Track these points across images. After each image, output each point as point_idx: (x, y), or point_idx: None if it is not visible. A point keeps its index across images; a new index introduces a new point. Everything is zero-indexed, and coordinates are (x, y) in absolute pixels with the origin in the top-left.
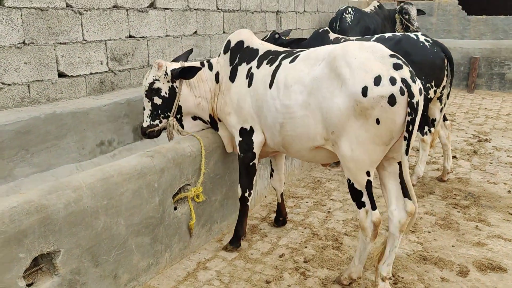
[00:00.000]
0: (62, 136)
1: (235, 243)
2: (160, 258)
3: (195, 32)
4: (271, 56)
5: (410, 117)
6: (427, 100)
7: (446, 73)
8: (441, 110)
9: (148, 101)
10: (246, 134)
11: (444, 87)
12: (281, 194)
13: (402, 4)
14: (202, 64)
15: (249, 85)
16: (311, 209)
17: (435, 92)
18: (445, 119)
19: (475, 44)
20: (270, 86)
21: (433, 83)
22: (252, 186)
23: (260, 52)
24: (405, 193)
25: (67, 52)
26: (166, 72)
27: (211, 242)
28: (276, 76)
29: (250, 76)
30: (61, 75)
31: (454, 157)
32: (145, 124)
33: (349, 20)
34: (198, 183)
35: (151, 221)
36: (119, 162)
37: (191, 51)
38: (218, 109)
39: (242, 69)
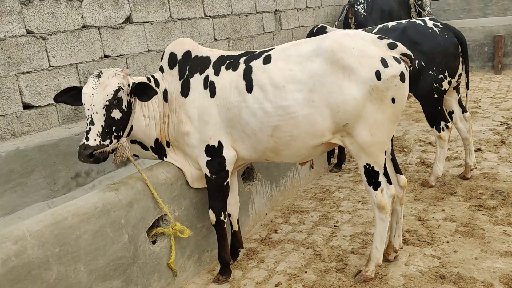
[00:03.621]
0: (29, 173)
1: (225, 273)
2: None
3: None
4: (228, 61)
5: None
6: (441, 93)
7: (461, 59)
8: (459, 101)
9: (104, 114)
10: (215, 151)
11: (460, 75)
12: (237, 220)
13: None
14: (148, 80)
15: (212, 95)
16: (316, 224)
17: (449, 83)
18: (464, 110)
19: (499, 21)
20: (249, 90)
21: (446, 73)
22: (226, 207)
23: (213, 59)
24: (397, 169)
25: (31, 81)
26: (129, 82)
27: (202, 273)
28: (253, 79)
29: (210, 85)
30: (27, 106)
31: (478, 149)
32: (92, 143)
33: (362, 11)
34: (171, 221)
35: (121, 262)
36: (75, 201)
37: None
38: (169, 131)
39: (196, 81)
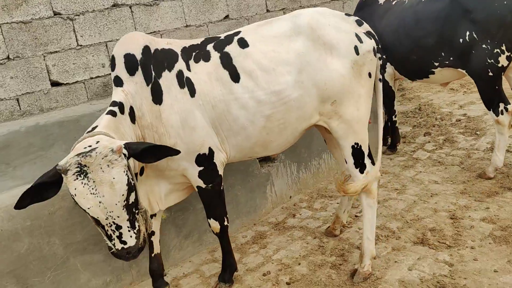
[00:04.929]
0: (49, 147)
1: (229, 280)
2: (122, 275)
3: (226, 16)
4: (194, 52)
5: (381, 61)
6: (498, 71)
7: None
8: None
9: (125, 211)
10: (206, 159)
11: None
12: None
13: None
14: (113, 113)
15: (192, 94)
16: None
17: (509, 58)
18: None
19: None
20: (235, 79)
21: (504, 47)
22: (226, 210)
23: (178, 51)
24: None
25: (59, 60)
26: (124, 153)
27: (202, 253)
28: (236, 66)
29: (187, 83)
30: (55, 84)
31: None
32: (132, 242)
33: None
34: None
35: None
36: None
37: None
38: None
39: (167, 80)
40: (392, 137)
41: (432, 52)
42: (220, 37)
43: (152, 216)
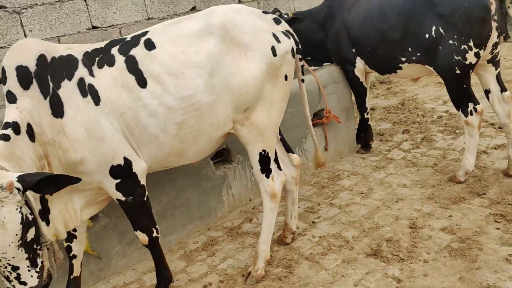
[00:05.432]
0: None
1: None
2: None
3: (193, 8)
4: (97, 57)
5: (302, 61)
6: (466, 69)
7: (494, 25)
8: (497, 78)
9: (22, 251)
10: (123, 170)
11: (495, 45)
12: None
13: None
14: (6, 137)
15: (97, 101)
16: None
17: (477, 54)
18: (503, 89)
19: None
20: (142, 85)
21: (471, 43)
22: (154, 220)
23: (79, 57)
24: (287, 148)
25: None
26: (18, 187)
27: (148, 260)
28: (142, 70)
29: (90, 90)
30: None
31: None
32: (34, 283)
33: None
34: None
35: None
36: None
37: None
38: (55, 171)
39: (67, 90)
40: (364, 135)
41: (398, 47)
42: (126, 38)
43: (73, 238)
